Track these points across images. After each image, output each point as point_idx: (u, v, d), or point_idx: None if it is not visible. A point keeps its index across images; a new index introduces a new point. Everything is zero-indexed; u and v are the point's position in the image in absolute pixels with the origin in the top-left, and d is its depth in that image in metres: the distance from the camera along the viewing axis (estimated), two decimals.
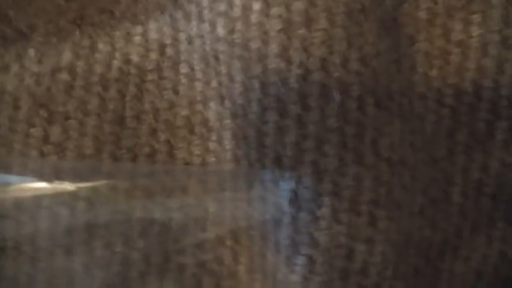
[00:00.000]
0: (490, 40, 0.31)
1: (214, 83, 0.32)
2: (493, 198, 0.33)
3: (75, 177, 0.31)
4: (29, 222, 0.30)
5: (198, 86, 0.33)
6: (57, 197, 0.30)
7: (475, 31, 0.32)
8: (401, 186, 0.31)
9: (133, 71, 0.33)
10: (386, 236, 0.31)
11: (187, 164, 0.33)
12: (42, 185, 0.30)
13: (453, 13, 0.32)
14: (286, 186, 0.31)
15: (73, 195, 0.30)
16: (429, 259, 0.33)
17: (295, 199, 0.31)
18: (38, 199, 0.30)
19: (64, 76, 0.33)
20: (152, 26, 0.33)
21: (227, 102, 0.32)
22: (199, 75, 0.33)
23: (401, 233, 0.31)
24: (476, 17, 0.32)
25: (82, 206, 0.30)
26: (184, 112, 0.33)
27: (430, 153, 0.32)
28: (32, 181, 0.30)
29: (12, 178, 0.30)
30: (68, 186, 0.30)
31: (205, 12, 0.32)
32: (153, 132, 0.33)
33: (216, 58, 0.32)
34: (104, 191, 0.31)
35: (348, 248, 0.30)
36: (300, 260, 0.31)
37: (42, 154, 0.32)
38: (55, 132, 0.32)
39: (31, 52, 0.33)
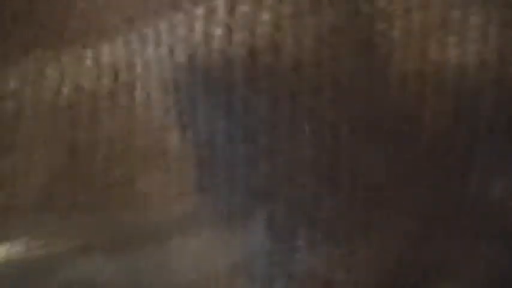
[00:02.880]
0: (467, 62, 0.30)
1: (174, 112, 0.31)
2: (476, 220, 0.32)
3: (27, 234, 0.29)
4: None
5: (156, 114, 0.31)
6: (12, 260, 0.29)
7: (452, 52, 0.30)
8: (381, 212, 0.30)
9: (84, 98, 0.31)
10: (366, 264, 0.30)
11: (146, 196, 0.31)
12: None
13: (429, 33, 0.30)
14: (259, 218, 0.30)
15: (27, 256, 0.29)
16: (414, 282, 0.32)
17: (269, 231, 0.30)
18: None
19: (10, 104, 0.31)
20: (105, 49, 0.31)
21: (189, 132, 0.30)
22: (156, 103, 0.31)
23: (383, 259, 0.31)
24: (452, 38, 0.30)
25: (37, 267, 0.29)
26: (141, 142, 0.31)
27: (410, 175, 0.31)
28: None
29: None
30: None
31: (163, 36, 0.30)
32: (109, 163, 0.31)
33: (176, 86, 0.30)
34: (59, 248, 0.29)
35: (325, 278, 0.30)
36: None
37: None
38: (3, 166, 0.31)
39: None
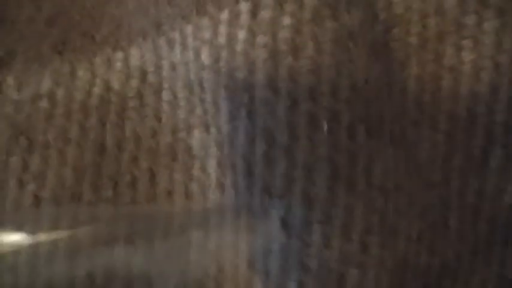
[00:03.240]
0: (482, 66, 0.31)
1: (198, 111, 0.32)
2: (489, 222, 0.32)
3: (54, 223, 0.30)
4: (8, 274, 0.30)
5: (181, 113, 0.32)
6: (37, 248, 0.30)
7: (467, 56, 0.31)
8: (396, 213, 0.31)
9: (114, 98, 0.32)
10: (379, 262, 0.30)
11: (169, 192, 0.32)
12: (20, 236, 0.29)
13: (444, 38, 0.31)
14: (276, 214, 0.30)
15: (52, 245, 0.30)
16: (427, 284, 0.32)
17: (285, 227, 0.30)
18: (17, 251, 0.30)
19: (44, 104, 0.32)
20: (134, 52, 0.32)
21: (212, 131, 0.31)
22: (182, 102, 0.32)
23: (396, 259, 0.31)
24: (467, 42, 0.31)
25: (62, 256, 0.30)
26: (166, 139, 0.32)
27: (425, 178, 0.32)
28: (11, 232, 0.30)
29: None
30: (47, 236, 0.30)
31: (189, 39, 0.31)
32: (135, 160, 0.32)
33: (201, 86, 0.31)
34: (84, 238, 0.30)
35: (340, 273, 0.30)
36: (291, 286, 0.30)
37: (21, 183, 0.32)
38: (35, 161, 0.32)
39: (10, 79, 0.32)
